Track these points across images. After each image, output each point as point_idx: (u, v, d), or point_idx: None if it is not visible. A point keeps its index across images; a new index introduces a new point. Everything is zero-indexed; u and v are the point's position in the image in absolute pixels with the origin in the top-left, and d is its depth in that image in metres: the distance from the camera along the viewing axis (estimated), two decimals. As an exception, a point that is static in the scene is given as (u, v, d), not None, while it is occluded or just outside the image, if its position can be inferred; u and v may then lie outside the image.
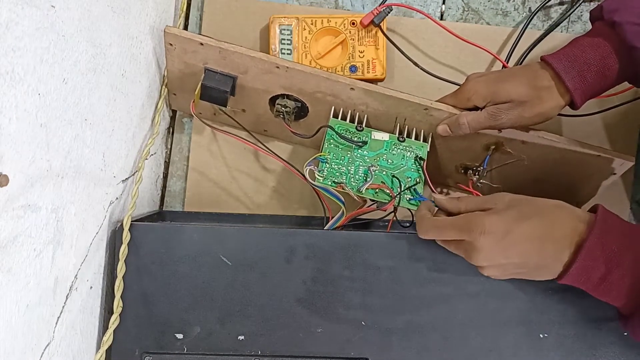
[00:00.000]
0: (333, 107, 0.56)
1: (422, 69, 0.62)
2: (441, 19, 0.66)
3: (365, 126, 0.56)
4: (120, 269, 0.46)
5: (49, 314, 0.39)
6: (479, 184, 0.58)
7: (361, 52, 0.62)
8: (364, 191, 0.52)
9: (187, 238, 0.48)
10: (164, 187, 0.66)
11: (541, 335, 0.49)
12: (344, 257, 0.49)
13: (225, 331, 0.48)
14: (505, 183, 0.61)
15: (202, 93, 0.55)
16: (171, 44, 0.54)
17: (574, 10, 0.65)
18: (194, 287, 0.48)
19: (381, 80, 0.63)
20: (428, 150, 0.55)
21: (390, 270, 0.49)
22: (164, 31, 0.53)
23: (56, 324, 0.40)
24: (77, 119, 0.41)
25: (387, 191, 0.52)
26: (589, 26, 0.66)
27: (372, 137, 0.55)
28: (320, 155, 0.53)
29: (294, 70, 0.53)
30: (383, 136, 0.55)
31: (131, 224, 0.48)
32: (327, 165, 0.53)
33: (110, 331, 0.45)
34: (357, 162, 0.54)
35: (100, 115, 0.45)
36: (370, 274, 0.49)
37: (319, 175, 0.52)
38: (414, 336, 0.49)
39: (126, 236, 0.47)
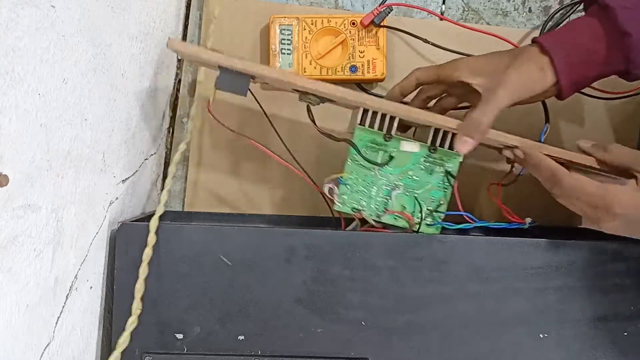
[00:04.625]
0: (361, 109, 0.50)
1: (431, 43, 0.62)
2: (441, 19, 0.66)
3: (398, 130, 0.51)
4: (143, 270, 0.46)
5: (49, 314, 0.39)
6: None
7: (361, 52, 0.62)
8: (382, 219, 0.51)
9: (187, 238, 0.48)
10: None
11: (541, 335, 0.49)
12: (344, 257, 0.49)
13: (225, 331, 0.48)
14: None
15: (218, 89, 0.50)
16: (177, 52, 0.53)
17: (574, 11, 0.65)
18: (194, 287, 0.48)
19: (381, 80, 0.63)
20: (461, 160, 0.51)
21: (390, 270, 0.49)
22: (167, 44, 0.49)
23: (56, 324, 0.40)
24: (77, 119, 0.41)
25: (406, 218, 0.51)
26: (589, 26, 0.66)
27: (401, 149, 0.50)
28: (341, 177, 0.50)
29: (313, 90, 0.49)
30: (412, 147, 0.50)
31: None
32: (348, 189, 0.51)
33: (127, 333, 0.45)
34: (380, 182, 0.51)
35: (100, 115, 0.45)
36: (370, 274, 0.49)
37: (338, 202, 0.51)
38: (414, 336, 0.49)
39: (152, 239, 0.47)
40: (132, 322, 0.45)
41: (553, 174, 0.48)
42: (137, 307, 0.46)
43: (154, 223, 0.47)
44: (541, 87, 0.48)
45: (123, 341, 0.45)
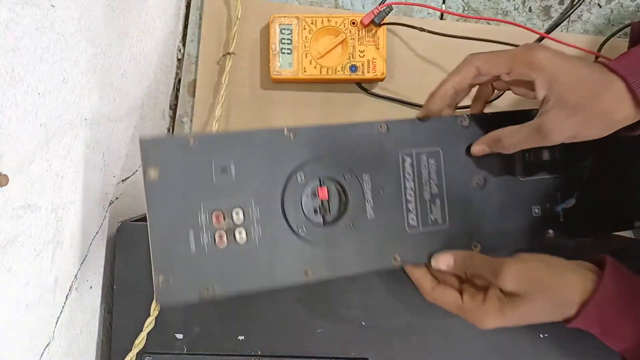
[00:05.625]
0: None
1: (427, 31, 0.62)
2: (441, 18, 0.66)
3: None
4: None
5: (49, 314, 0.39)
6: None
7: (361, 52, 0.62)
8: None
9: (187, 238, 0.48)
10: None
11: (541, 335, 0.49)
12: (344, 257, 0.49)
13: (225, 331, 0.48)
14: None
15: None
16: None
17: (574, 10, 0.65)
18: (194, 287, 0.48)
19: (381, 80, 0.63)
20: None
21: (391, 271, 0.49)
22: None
23: (56, 324, 0.40)
24: (77, 119, 0.41)
25: None
26: (589, 26, 0.66)
27: None
28: None
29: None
30: None
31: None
32: None
33: (143, 334, 0.45)
34: None
35: (100, 115, 0.45)
36: (370, 274, 0.49)
37: None
38: (414, 336, 0.49)
39: None
40: (149, 323, 0.45)
41: (418, 287, 0.45)
42: (155, 307, 0.46)
43: None
44: (624, 120, 0.41)
45: (139, 342, 0.45)
